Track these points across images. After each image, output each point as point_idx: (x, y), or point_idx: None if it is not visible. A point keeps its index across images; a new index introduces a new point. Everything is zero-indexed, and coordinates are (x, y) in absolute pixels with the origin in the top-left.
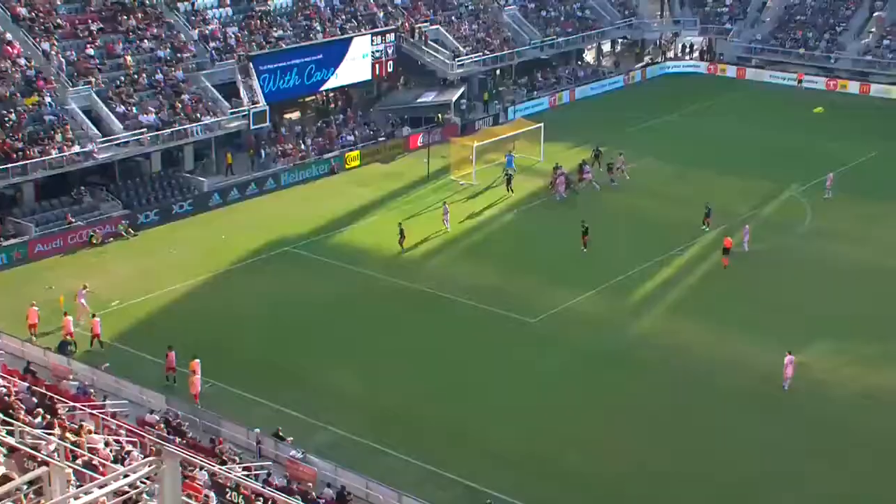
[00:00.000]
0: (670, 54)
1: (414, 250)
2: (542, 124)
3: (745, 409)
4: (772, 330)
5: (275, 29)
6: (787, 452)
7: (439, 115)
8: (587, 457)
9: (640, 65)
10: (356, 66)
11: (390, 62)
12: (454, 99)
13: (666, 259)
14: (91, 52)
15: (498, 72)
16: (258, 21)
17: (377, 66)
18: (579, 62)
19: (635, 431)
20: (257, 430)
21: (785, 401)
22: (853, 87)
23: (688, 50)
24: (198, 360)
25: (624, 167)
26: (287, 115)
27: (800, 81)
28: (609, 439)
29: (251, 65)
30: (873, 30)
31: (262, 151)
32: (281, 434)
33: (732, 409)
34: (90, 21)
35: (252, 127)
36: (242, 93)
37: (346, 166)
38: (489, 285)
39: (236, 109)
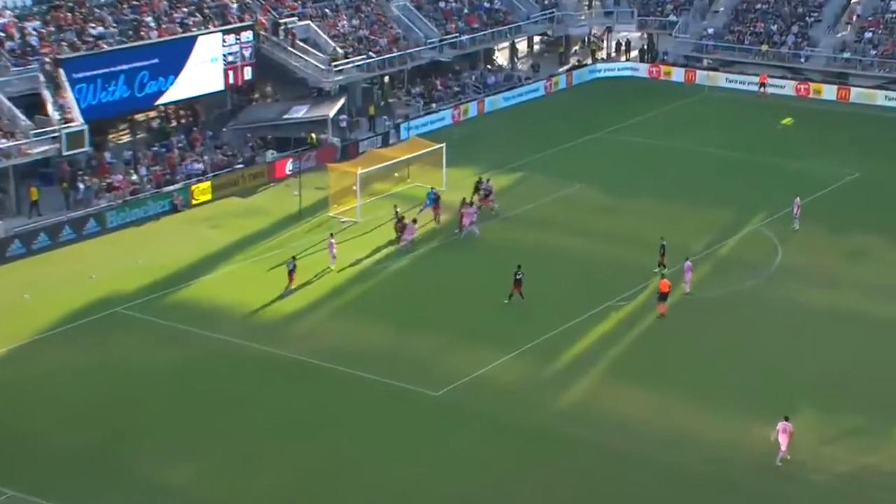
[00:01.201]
0: (602, 54)
1: (283, 305)
2: (443, 145)
3: (699, 498)
4: (733, 396)
5: (92, 24)
6: None
7: (313, 135)
8: None
9: (564, 68)
10: (203, 72)
11: (248, 68)
12: (332, 114)
13: (603, 311)
14: None
15: (386, 79)
16: (68, 14)
17: (231, 72)
18: (488, 66)
19: None
20: None
21: (749, 486)
22: (828, 92)
23: (624, 49)
24: None
25: (492, 198)
26: (113, 137)
27: (762, 86)
28: None
29: (61, 71)
30: (852, 20)
31: (80, 184)
32: None
33: (683, 498)
34: None
35: (65, 153)
36: (50, 108)
37: (193, 202)
38: (379, 349)
39: (42, 130)
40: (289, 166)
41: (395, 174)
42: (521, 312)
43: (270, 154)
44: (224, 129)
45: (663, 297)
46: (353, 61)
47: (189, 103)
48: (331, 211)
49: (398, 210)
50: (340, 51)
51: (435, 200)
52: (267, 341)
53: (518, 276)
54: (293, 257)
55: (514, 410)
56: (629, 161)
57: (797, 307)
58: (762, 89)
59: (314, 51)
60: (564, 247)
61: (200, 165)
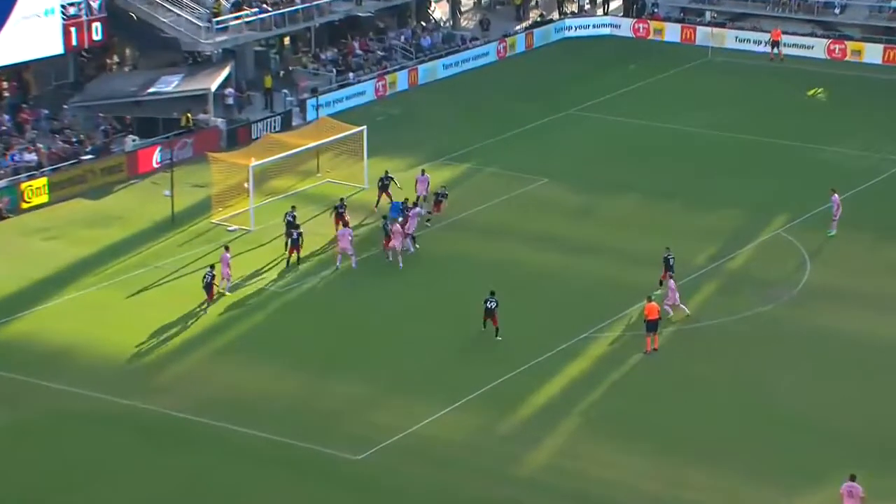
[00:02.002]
0: (572, 6)
1: (151, 344)
2: (364, 127)
3: None
4: (745, 458)
5: None
6: None
7: (188, 116)
8: None
9: (522, 25)
10: (33, 29)
11: (97, 24)
12: (213, 88)
13: (577, 346)
14: None
15: (287, 41)
16: None
17: (73, 30)
18: (422, 23)
19: None
20: None
21: None
22: (871, 53)
23: (600, 1)
24: None
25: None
26: None
27: (775, 44)
28: None
29: None
30: None
31: None
32: None
33: None
34: None
35: None
36: None
37: (24, 205)
38: (282, 401)
39: None
40: (156, 157)
41: (316, 163)
42: (468, 350)
43: (131, 141)
44: (66, 107)
45: (652, 326)
46: (241, 16)
47: (14, 71)
48: (214, 216)
49: (406, 202)
50: (225, 2)
51: (438, 201)
52: (128, 393)
53: (489, 304)
54: (210, 266)
55: (459, 479)
56: (609, 148)
57: (830, 339)
58: (774, 49)
59: (189, 2)
60: (525, 261)
61: (33, 156)
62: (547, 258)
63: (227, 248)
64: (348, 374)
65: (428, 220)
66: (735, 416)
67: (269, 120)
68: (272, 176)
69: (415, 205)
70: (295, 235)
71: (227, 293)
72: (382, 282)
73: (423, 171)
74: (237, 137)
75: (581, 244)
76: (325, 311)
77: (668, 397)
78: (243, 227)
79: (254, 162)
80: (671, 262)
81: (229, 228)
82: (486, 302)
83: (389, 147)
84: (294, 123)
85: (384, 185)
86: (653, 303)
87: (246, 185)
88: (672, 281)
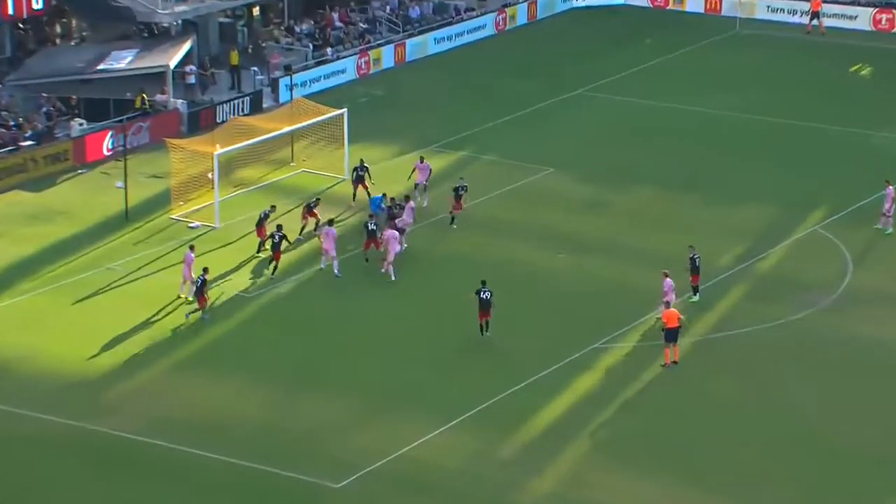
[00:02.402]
0: None
1: (101, 357)
2: (344, 110)
3: None
4: (776, 488)
5: None
6: None
7: (143, 96)
8: None
9: None
10: None
11: None
12: (173, 64)
13: (586, 358)
14: None
15: (256, 11)
16: None
17: None
18: None
19: None
20: None
21: None
22: None
23: None
24: None
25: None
26: None
27: (815, 15)
28: None
29: None
30: None
31: None
32: None
33: None
34: None
35: None
36: None
37: None
38: (251, 421)
39: None
40: (107, 143)
41: (290, 150)
42: (464, 362)
43: (78, 125)
44: (2, 86)
45: (672, 335)
46: None
47: None
48: (173, 211)
49: (393, 200)
50: None
51: (458, 196)
52: (74, 413)
53: (484, 296)
54: (204, 269)
55: None
56: (622, 133)
57: (874, 351)
58: (814, 21)
59: None
60: (528, 262)
61: None
62: (553, 258)
63: (191, 248)
64: (327, 390)
65: (453, 223)
66: (766, 440)
67: (236, 101)
68: (240, 165)
69: (406, 198)
70: (277, 238)
71: (191, 298)
72: (365, 285)
73: (421, 159)
74: (200, 121)
75: (591, 242)
76: (301, 318)
77: (689, 417)
78: (207, 224)
79: (219, 149)
80: (697, 262)
81: (191, 225)
82: (479, 293)
83: (373, 133)
84: (265, 105)
85: (359, 175)
86: (672, 309)
87: (210, 175)
88: (668, 280)
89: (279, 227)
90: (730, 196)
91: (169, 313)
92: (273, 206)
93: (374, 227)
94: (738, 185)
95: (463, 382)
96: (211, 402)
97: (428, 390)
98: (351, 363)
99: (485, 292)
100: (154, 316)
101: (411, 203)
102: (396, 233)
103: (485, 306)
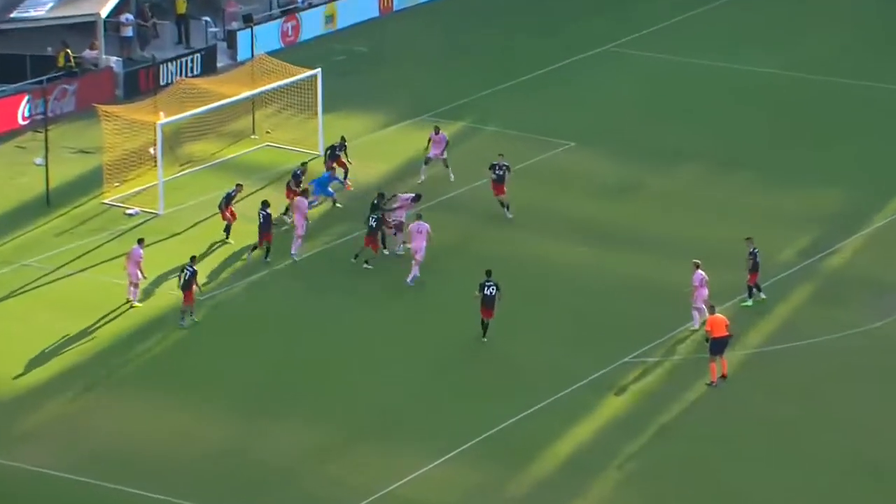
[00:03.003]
0: None
1: (20, 376)
2: (318, 70)
3: None
4: None
5: None
6: None
7: (68, 52)
8: None
9: None
10: None
11: None
12: (104, 13)
13: (614, 374)
14: None
15: None
16: None
17: None
18: None
19: None
20: None
21: None
22: None
23: None
24: None
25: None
26: None
27: None
28: None
29: None
30: None
31: None
32: None
33: None
34: None
35: None
36: None
37: None
38: (206, 454)
39: None
40: (23, 110)
41: (251, 122)
42: (465, 380)
43: None
44: None
45: (718, 346)
46: None
47: None
48: (106, 195)
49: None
50: None
51: (500, 179)
52: None
53: (489, 291)
54: (192, 258)
55: None
56: (657, 99)
57: None
58: None
59: None
60: (542, 257)
61: None
62: (573, 253)
63: (140, 242)
64: (301, 415)
65: (507, 210)
66: (834, 473)
67: (184, 59)
68: (189, 138)
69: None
70: (263, 218)
71: (138, 304)
72: (348, 285)
73: (437, 130)
74: (139, 84)
75: (618, 232)
76: (268, 327)
77: (739, 445)
78: (148, 210)
79: (163, 118)
80: (758, 258)
81: (128, 212)
82: (484, 288)
83: (353, 98)
84: (219, 64)
85: (335, 154)
86: (719, 315)
87: (152, 150)
88: (699, 272)
89: (265, 204)
90: (789, 176)
91: (101, 321)
92: (239, 185)
93: (375, 224)
94: (799, 163)
95: (464, 404)
96: (155, 431)
97: (423, 414)
98: (329, 380)
99: (489, 286)
100: (83, 324)
101: (407, 195)
102: (425, 225)
103: (488, 303)
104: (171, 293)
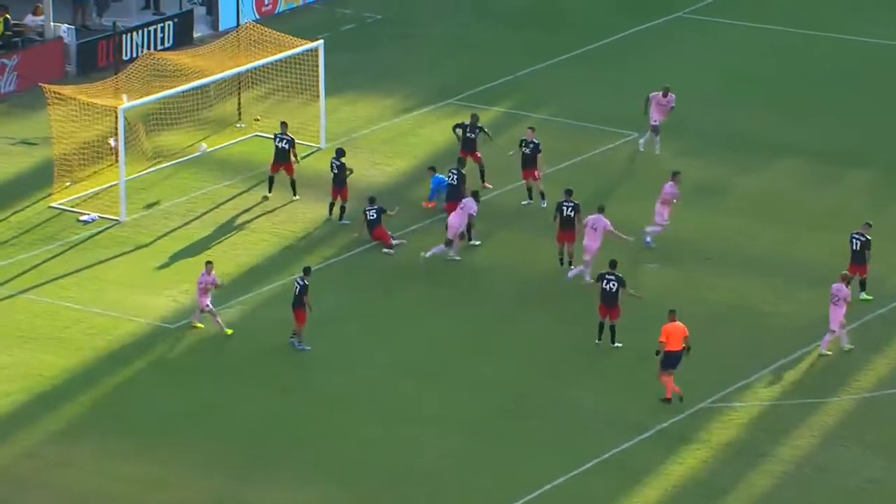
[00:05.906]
0: None
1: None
2: (319, 42)
3: None
4: None
5: None
6: None
7: (7, 17)
8: None
9: None
10: None
11: None
12: None
13: (688, 421)
14: None
15: None
16: None
17: None
18: None
19: None
20: None
21: None
22: None
23: None
24: None
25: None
26: None
27: None
28: None
29: None
30: None
31: None
32: None
33: None
34: None
35: None
36: None
37: None
38: None
39: None
40: None
41: (237, 109)
42: (506, 427)
43: None
44: None
45: (671, 361)
46: None
47: None
48: (55, 197)
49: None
50: None
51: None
52: None
53: (608, 286)
54: (306, 269)
55: None
56: (745, 78)
57: None
58: None
59: None
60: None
61: None
62: (640, 269)
63: (207, 266)
64: (296, 474)
65: (543, 198)
66: None
67: (152, 28)
68: (159, 126)
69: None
70: (335, 169)
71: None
72: (349, 303)
73: (665, 91)
74: (96, 58)
75: (699, 248)
76: (256, 360)
77: None
78: (107, 217)
79: (126, 101)
80: (865, 246)
81: (82, 218)
82: (602, 280)
83: (365, 77)
84: (196, 34)
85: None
86: (678, 323)
87: (112, 142)
88: (841, 286)
89: (339, 152)
90: (871, 165)
91: (46, 352)
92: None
93: (375, 216)
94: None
95: (506, 458)
96: (117, 492)
97: (453, 470)
98: (334, 432)
99: (610, 281)
100: (23, 357)
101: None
102: (472, 203)
103: (609, 301)
104: (134, 321)
